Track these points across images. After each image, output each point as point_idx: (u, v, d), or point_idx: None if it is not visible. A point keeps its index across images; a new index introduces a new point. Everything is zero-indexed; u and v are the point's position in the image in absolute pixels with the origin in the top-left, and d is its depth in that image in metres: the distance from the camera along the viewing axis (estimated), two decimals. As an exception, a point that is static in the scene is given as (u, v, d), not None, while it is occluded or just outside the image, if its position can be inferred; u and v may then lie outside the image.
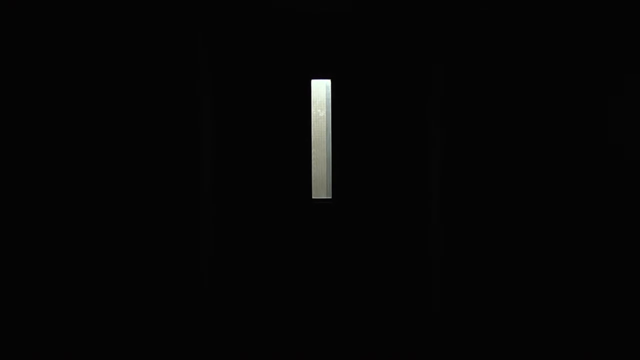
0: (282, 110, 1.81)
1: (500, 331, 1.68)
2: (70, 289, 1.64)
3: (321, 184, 1.88)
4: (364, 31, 1.78)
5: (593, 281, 1.63)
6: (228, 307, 1.81)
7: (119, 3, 1.63)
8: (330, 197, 1.85)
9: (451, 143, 1.69)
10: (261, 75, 1.81)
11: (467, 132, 1.68)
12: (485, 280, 1.69)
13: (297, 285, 1.84)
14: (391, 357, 1.63)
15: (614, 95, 1.61)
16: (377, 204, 1.82)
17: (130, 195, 1.66)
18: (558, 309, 1.65)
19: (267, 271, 1.83)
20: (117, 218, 1.66)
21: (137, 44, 1.65)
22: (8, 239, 1.61)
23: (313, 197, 1.86)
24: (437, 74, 1.72)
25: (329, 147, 1.86)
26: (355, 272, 1.83)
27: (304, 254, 1.84)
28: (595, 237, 1.63)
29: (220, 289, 1.81)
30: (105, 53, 1.64)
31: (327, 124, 1.86)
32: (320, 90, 1.85)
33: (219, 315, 1.80)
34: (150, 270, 1.68)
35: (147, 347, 1.67)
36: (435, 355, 1.64)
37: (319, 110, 1.85)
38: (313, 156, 1.87)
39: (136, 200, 1.66)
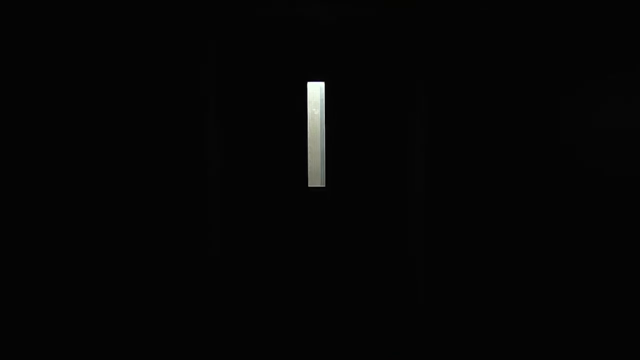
0: (281, 109, 2.06)
1: (483, 320, 1.99)
2: (97, 269, 1.89)
3: (316, 174, 2.14)
4: (354, 41, 2.02)
5: (558, 272, 1.94)
6: (235, 280, 2.09)
7: (135, 11, 1.84)
8: (324, 185, 2.12)
9: (430, 140, 1.97)
10: (263, 77, 2.05)
11: (444, 130, 1.95)
12: (466, 263, 1.99)
13: (295, 260, 2.12)
14: (377, 327, 1.93)
15: (567, 97, 1.89)
16: (364, 191, 2.10)
17: (146, 180, 1.90)
18: (534, 299, 1.96)
19: (269, 248, 2.10)
20: (133, 204, 1.90)
21: (153, 50, 1.87)
22: (32, 232, 1.84)
23: (309, 185, 2.13)
24: (419, 82, 1.98)
25: (323, 142, 2.12)
26: (346, 250, 2.12)
27: (301, 234, 2.11)
28: (558, 232, 1.93)
29: (228, 264, 2.08)
30: (118, 56, 1.86)
31: (321, 121, 2.11)
32: (315, 91, 2.10)
33: (227, 287, 2.08)
34: (167, 247, 1.93)
35: (162, 318, 1.94)
36: (420, 330, 1.95)
37: (314, 109, 2.10)
38: (309, 150, 2.13)
39: (153, 182, 1.90)
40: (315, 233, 2.11)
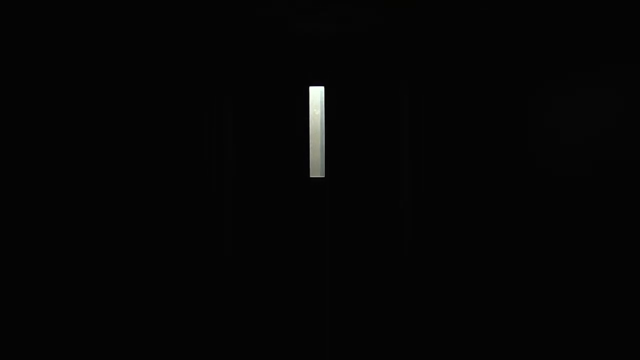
0: (287, 110, 2.39)
1: (459, 277, 2.28)
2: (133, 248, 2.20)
3: (316, 166, 2.46)
4: (349, 52, 2.37)
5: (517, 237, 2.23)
6: (246, 258, 2.39)
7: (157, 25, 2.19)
8: (323, 176, 2.44)
9: (413, 135, 2.28)
10: (271, 83, 2.38)
11: (426, 127, 2.27)
12: (447, 231, 2.28)
13: (299, 238, 2.42)
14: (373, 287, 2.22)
15: (534, 98, 2.21)
16: (358, 180, 2.41)
17: (171, 172, 2.22)
18: (496, 258, 2.26)
19: (277, 229, 2.40)
20: (162, 197, 2.21)
21: (183, 62, 2.21)
22: (74, 227, 2.15)
23: (310, 176, 2.44)
24: (403, 86, 2.31)
25: (323, 138, 2.44)
26: (343, 228, 2.42)
27: (304, 217, 2.42)
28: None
29: (240, 244, 2.39)
30: (145, 69, 2.20)
31: (321, 120, 2.44)
32: (316, 94, 2.43)
33: (239, 263, 2.38)
34: (187, 233, 2.24)
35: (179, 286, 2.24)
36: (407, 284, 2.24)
37: (315, 110, 2.44)
38: (310, 145, 2.45)
39: (177, 173, 2.22)
40: (316, 216, 2.42)
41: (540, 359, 2.17)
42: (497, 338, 2.22)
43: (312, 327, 2.37)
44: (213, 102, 2.25)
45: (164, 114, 2.21)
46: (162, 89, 2.21)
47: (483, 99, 2.24)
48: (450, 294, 2.28)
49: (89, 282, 2.15)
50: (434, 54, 2.26)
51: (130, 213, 2.19)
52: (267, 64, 2.37)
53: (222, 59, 2.26)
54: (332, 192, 2.42)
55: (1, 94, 2.03)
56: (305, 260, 2.41)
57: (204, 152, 2.25)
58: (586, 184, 2.14)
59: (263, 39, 2.35)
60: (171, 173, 2.22)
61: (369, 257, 2.40)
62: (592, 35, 2.13)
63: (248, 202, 2.40)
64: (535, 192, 2.20)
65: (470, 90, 2.25)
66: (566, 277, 2.16)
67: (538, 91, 2.19)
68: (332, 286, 2.40)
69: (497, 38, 2.22)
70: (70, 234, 2.13)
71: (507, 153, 2.22)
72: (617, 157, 2.10)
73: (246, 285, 2.38)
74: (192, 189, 2.24)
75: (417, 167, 2.30)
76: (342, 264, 2.40)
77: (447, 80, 2.26)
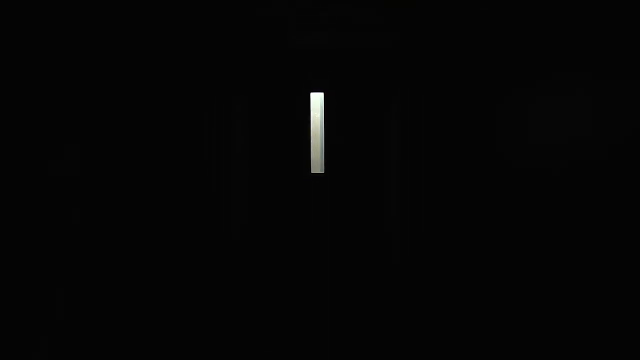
0: (291, 113, 2.70)
1: (445, 282, 2.58)
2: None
3: (317, 163, 2.77)
4: (345, 64, 2.70)
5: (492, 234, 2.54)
6: (254, 242, 2.68)
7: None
8: (323, 172, 2.75)
9: (402, 136, 2.60)
10: (277, 89, 2.70)
11: (412, 128, 2.59)
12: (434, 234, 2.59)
13: (300, 226, 2.71)
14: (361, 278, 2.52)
15: (501, 104, 2.54)
16: (354, 176, 2.72)
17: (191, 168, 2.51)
18: (480, 259, 2.56)
19: (282, 217, 2.70)
20: (187, 190, 2.51)
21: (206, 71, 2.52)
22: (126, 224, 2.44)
23: (311, 172, 2.75)
24: (393, 94, 2.64)
25: (322, 138, 2.75)
26: (341, 216, 2.72)
27: (305, 208, 2.72)
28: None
29: (249, 230, 2.68)
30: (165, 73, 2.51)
31: (321, 122, 2.76)
32: (317, 99, 2.75)
33: (248, 246, 2.66)
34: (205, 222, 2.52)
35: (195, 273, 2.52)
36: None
37: (316, 113, 2.76)
38: (311, 144, 2.76)
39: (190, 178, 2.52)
40: (316, 207, 2.72)
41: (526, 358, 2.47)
42: (485, 329, 2.52)
43: (314, 304, 2.66)
44: (225, 106, 2.56)
45: (179, 118, 2.52)
46: (183, 96, 2.52)
47: (461, 105, 2.57)
48: (433, 267, 2.58)
49: (122, 266, 2.43)
50: (419, 67, 2.60)
51: (152, 203, 2.48)
52: (273, 73, 2.69)
53: (234, 68, 2.58)
54: (331, 186, 2.72)
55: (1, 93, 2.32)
56: (308, 243, 2.71)
57: (219, 150, 2.55)
58: (555, 181, 2.46)
59: (270, 51, 2.67)
60: (187, 170, 2.52)
61: (363, 238, 2.71)
62: (553, 48, 2.48)
63: (257, 193, 2.70)
64: (508, 189, 2.52)
65: (450, 98, 2.58)
66: (543, 273, 2.47)
67: (506, 99, 2.53)
68: (332, 261, 2.70)
69: (471, 54, 2.56)
70: (113, 219, 2.41)
71: (484, 152, 2.55)
72: (580, 157, 2.44)
73: (254, 265, 2.67)
74: (208, 182, 2.53)
75: (404, 163, 2.62)
76: (341, 244, 2.70)
77: (430, 89, 2.59)
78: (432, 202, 2.59)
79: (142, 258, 2.46)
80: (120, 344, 2.41)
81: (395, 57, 2.64)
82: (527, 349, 2.42)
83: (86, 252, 2.36)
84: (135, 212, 2.46)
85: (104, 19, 2.38)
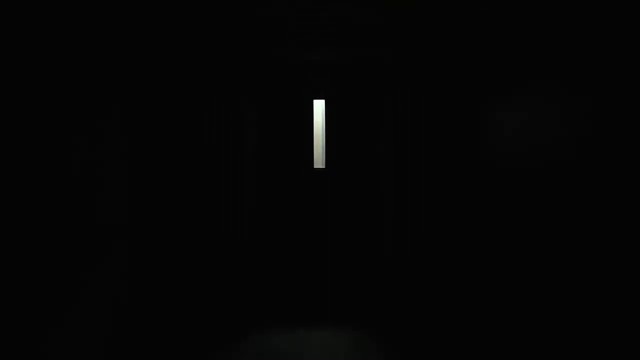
0: (297, 117, 3.22)
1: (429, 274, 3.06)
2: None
3: (319, 159, 3.27)
4: (343, 76, 3.22)
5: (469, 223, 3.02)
6: (265, 221, 3.17)
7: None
8: (324, 167, 3.25)
9: (394, 137, 3.10)
10: (285, 97, 3.22)
11: (403, 128, 3.09)
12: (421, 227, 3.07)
13: (305, 210, 3.21)
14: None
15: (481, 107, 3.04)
16: (351, 171, 3.22)
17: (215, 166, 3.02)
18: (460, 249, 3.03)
19: (289, 204, 3.20)
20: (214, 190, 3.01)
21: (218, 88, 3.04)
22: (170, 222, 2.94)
23: (314, 167, 3.25)
24: (386, 102, 3.15)
25: (324, 138, 3.26)
26: (339, 204, 3.21)
27: (308, 197, 3.22)
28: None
29: (261, 212, 3.17)
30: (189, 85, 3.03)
31: (322, 125, 3.27)
32: (319, 106, 3.27)
33: (261, 222, 3.16)
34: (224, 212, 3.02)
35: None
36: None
37: (318, 117, 3.27)
38: (314, 144, 3.26)
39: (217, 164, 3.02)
40: (318, 197, 3.22)
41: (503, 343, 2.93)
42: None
43: (316, 269, 3.14)
44: (242, 111, 3.08)
45: (205, 127, 3.03)
46: (210, 107, 3.03)
47: (445, 110, 3.08)
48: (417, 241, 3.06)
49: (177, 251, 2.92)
50: (409, 78, 3.12)
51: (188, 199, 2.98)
52: (282, 83, 3.22)
53: (250, 81, 3.10)
54: (331, 178, 3.23)
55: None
56: (311, 225, 3.20)
57: (236, 148, 3.06)
58: (527, 174, 2.95)
59: (279, 66, 3.20)
60: (209, 164, 3.02)
61: (358, 220, 3.20)
62: (523, 61, 2.99)
63: (268, 184, 3.20)
64: (488, 182, 3.01)
65: (435, 102, 3.09)
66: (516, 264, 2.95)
67: (481, 107, 3.03)
68: (331, 239, 3.18)
69: (451, 68, 3.08)
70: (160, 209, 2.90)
71: (468, 151, 3.04)
72: (550, 157, 2.92)
73: (266, 238, 3.17)
74: (228, 173, 3.04)
75: (395, 160, 3.12)
76: (339, 226, 3.19)
77: (418, 98, 3.10)
78: (420, 191, 3.08)
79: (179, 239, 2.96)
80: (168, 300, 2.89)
81: (386, 69, 3.15)
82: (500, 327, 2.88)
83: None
84: (169, 201, 2.96)
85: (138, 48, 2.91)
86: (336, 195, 3.22)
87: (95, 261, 2.00)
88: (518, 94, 2.88)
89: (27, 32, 1.55)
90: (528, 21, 2.72)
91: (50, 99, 1.70)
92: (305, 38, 2.96)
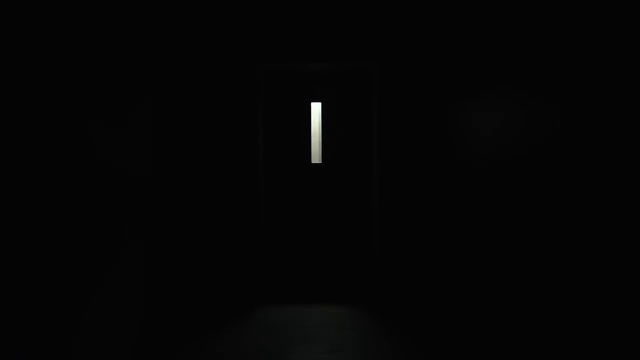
0: (297, 117, 3.60)
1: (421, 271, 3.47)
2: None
3: (316, 155, 3.66)
4: (337, 81, 3.61)
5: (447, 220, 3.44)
6: (271, 207, 3.56)
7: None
8: (321, 162, 3.64)
9: (379, 135, 3.51)
10: (287, 100, 3.60)
11: (388, 130, 3.50)
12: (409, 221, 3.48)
13: (303, 204, 3.60)
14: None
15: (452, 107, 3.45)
16: (345, 166, 3.62)
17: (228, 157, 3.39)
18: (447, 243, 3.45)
19: (290, 195, 3.59)
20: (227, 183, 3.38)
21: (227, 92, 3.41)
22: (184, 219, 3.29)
23: (312, 162, 3.64)
24: (374, 104, 3.55)
25: (320, 137, 3.65)
26: (333, 195, 3.62)
27: (307, 190, 3.61)
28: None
29: (267, 200, 3.56)
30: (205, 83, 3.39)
31: (319, 124, 3.66)
32: (316, 107, 3.66)
33: (268, 208, 3.54)
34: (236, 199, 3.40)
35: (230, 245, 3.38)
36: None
37: (315, 117, 3.66)
38: (312, 141, 3.65)
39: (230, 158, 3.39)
40: (315, 190, 3.62)
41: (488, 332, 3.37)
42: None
43: (314, 258, 3.55)
44: (250, 113, 3.45)
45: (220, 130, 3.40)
46: (227, 115, 3.40)
47: (425, 111, 3.49)
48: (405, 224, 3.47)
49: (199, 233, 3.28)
50: (392, 86, 3.52)
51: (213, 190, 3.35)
52: (284, 89, 3.60)
53: (257, 89, 3.47)
54: (327, 172, 3.62)
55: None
56: (309, 212, 3.60)
57: (249, 147, 3.43)
58: (490, 165, 3.38)
59: (282, 73, 3.57)
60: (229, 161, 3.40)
61: (350, 208, 3.60)
62: (490, 67, 3.41)
63: (272, 177, 3.59)
64: (454, 169, 3.43)
65: (419, 105, 3.50)
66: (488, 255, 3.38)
67: (450, 107, 3.45)
68: (326, 222, 3.59)
69: (427, 74, 3.48)
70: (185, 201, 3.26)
71: (442, 150, 3.46)
72: (513, 151, 3.36)
73: (269, 226, 3.56)
74: (241, 168, 3.42)
75: (381, 156, 3.53)
76: (332, 212, 3.60)
77: (401, 103, 3.51)
78: (400, 178, 3.50)
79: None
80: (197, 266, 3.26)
81: (375, 79, 3.55)
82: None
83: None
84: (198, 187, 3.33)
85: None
86: (331, 187, 3.63)
87: (128, 237, 2.37)
88: (485, 96, 3.28)
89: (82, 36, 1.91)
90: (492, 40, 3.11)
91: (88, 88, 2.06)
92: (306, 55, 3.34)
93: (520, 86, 2.69)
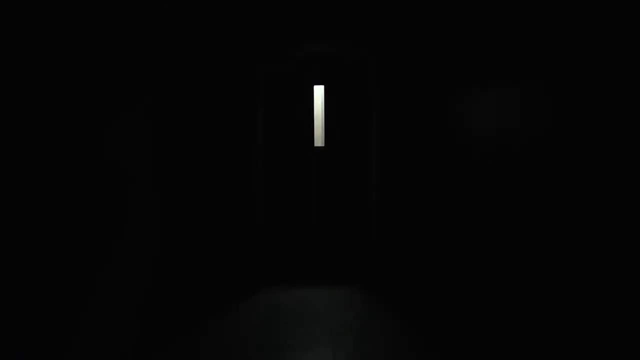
0: (300, 101, 3.61)
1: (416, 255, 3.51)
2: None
3: (319, 139, 3.67)
4: (338, 65, 3.59)
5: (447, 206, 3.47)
6: (273, 188, 3.60)
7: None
8: (324, 145, 3.66)
9: (379, 119, 3.51)
10: (290, 84, 3.60)
11: (388, 114, 3.50)
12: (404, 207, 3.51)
13: (307, 181, 3.64)
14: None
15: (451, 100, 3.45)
16: (347, 149, 3.64)
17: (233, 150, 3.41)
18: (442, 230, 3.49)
19: (293, 176, 3.62)
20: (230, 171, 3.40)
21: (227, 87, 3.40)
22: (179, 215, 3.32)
23: (315, 146, 3.66)
24: (375, 88, 3.54)
25: (323, 120, 3.66)
26: (334, 176, 3.65)
27: (310, 172, 3.64)
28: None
29: (270, 180, 3.60)
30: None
31: (322, 108, 3.66)
32: (319, 91, 3.65)
33: (269, 188, 3.59)
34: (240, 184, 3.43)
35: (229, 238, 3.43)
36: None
37: (318, 101, 3.66)
38: (315, 125, 3.66)
39: (233, 150, 3.41)
40: (318, 172, 3.65)
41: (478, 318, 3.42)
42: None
43: (313, 238, 3.60)
44: (253, 100, 3.45)
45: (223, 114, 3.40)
46: (230, 102, 3.39)
47: (424, 97, 3.49)
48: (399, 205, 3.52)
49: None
50: (393, 71, 3.51)
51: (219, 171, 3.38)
52: (288, 72, 3.58)
53: (261, 69, 3.46)
54: (329, 155, 3.64)
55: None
56: (311, 193, 3.64)
57: (251, 130, 3.45)
58: (487, 157, 3.40)
59: (286, 56, 3.56)
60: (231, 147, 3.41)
61: (348, 187, 3.64)
62: (487, 61, 3.39)
63: (275, 160, 3.61)
64: (453, 156, 3.45)
65: (416, 92, 3.49)
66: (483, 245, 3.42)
67: (450, 99, 3.45)
68: (328, 201, 3.63)
69: (426, 60, 3.46)
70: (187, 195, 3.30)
71: (440, 133, 3.47)
72: (509, 142, 3.37)
73: (272, 208, 3.60)
74: (245, 152, 3.44)
75: (382, 139, 3.54)
76: (331, 190, 3.64)
77: (400, 88, 3.50)
78: (398, 162, 3.52)
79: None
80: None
81: (376, 64, 3.54)
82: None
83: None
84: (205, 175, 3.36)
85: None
86: (333, 170, 3.65)
87: (136, 220, 2.41)
88: (483, 88, 3.26)
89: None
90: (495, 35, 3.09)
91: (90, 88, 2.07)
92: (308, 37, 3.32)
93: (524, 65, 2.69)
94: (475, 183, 3.28)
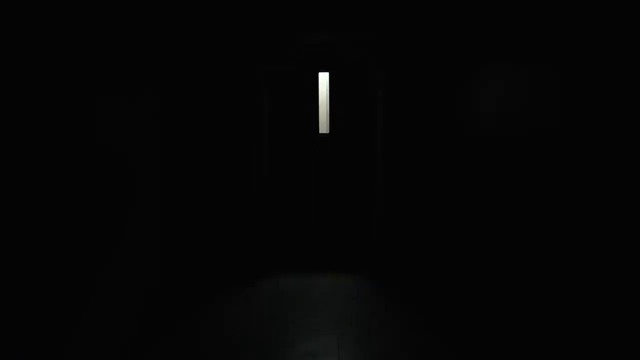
0: (304, 87, 3.61)
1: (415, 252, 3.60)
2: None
3: (323, 125, 3.71)
4: (344, 51, 3.57)
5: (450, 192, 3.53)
6: (278, 175, 3.69)
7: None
8: (328, 132, 3.70)
9: (384, 106, 3.53)
10: (293, 72, 3.59)
11: (392, 100, 3.51)
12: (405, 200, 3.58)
13: (312, 166, 3.72)
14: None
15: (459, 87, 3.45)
16: (351, 136, 3.68)
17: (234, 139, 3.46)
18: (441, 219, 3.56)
19: (298, 161, 3.70)
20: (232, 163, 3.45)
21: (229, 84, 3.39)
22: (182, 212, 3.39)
23: (319, 132, 3.70)
24: (379, 75, 3.54)
25: (328, 107, 3.68)
26: (339, 161, 3.72)
27: (314, 158, 3.70)
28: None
29: (275, 167, 3.68)
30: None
31: (327, 95, 3.67)
32: (324, 77, 3.65)
33: (274, 178, 3.68)
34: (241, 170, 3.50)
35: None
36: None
37: (323, 88, 3.66)
38: (319, 111, 3.69)
39: (234, 140, 3.46)
40: (322, 157, 3.72)
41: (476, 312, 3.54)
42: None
43: (317, 225, 3.73)
44: (259, 86, 3.46)
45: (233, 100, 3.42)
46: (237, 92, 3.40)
47: (429, 82, 3.49)
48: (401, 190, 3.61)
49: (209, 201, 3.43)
50: (397, 56, 3.49)
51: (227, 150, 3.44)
52: (293, 58, 3.57)
53: (265, 56, 3.45)
54: (333, 142, 3.69)
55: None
56: (315, 178, 3.72)
57: (257, 115, 3.48)
58: (494, 142, 3.44)
59: (293, 45, 3.53)
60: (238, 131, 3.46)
61: (354, 172, 3.73)
62: (494, 45, 3.36)
63: (279, 147, 3.67)
64: (461, 145, 3.49)
65: (420, 79, 3.49)
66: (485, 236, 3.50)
67: (465, 82, 3.44)
68: (331, 186, 3.73)
69: (437, 48, 3.43)
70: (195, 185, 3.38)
71: (447, 121, 3.50)
72: (518, 125, 3.39)
73: (275, 194, 3.70)
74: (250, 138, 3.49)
75: (386, 126, 3.58)
76: (336, 175, 3.73)
77: (405, 74, 3.49)
78: (403, 148, 3.58)
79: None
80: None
81: (379, 51, 3.51)
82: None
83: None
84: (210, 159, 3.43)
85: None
86: (338, 157, 3.71)
87: (141, 211, 2.52)
88: (488, 73, 3.26)
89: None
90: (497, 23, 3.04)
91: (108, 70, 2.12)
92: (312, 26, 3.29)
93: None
94: (483, 171, 3.34)
